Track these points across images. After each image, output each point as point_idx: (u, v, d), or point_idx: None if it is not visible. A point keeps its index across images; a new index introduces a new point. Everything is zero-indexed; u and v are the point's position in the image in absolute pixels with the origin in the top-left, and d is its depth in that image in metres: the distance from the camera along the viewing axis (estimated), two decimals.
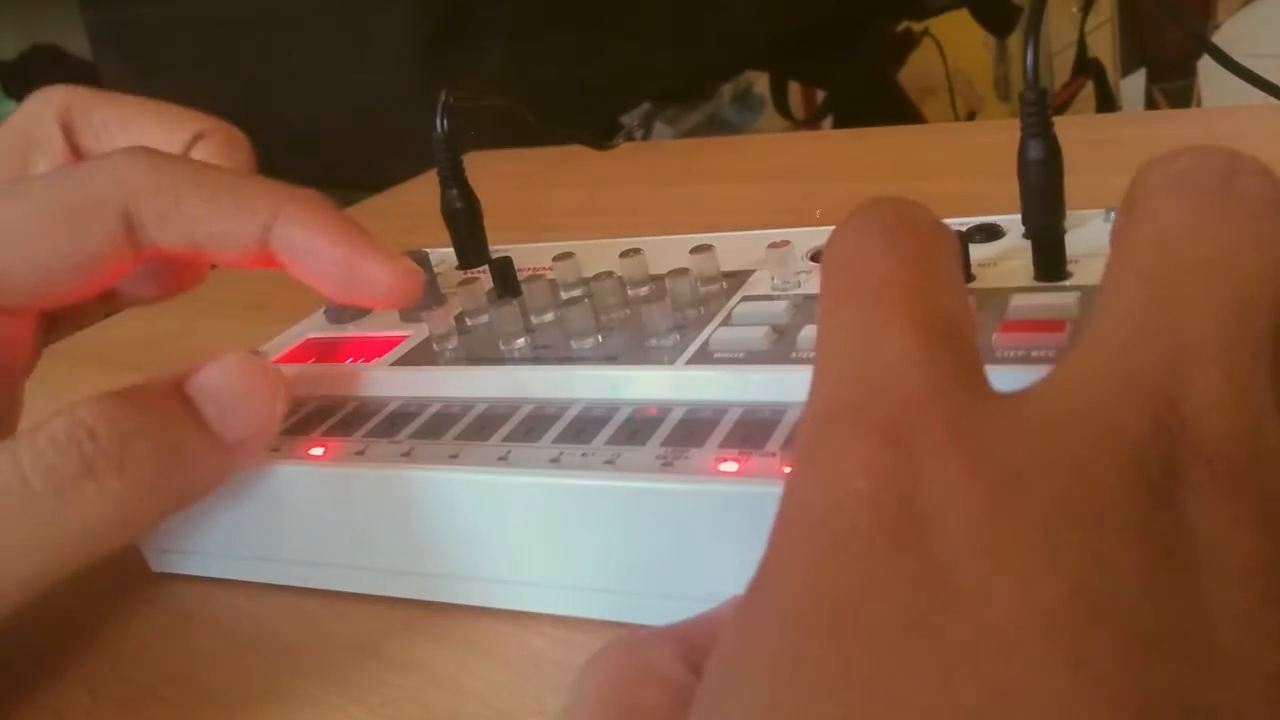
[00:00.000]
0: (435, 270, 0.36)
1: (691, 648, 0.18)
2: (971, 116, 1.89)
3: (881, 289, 0.16)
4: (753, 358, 0.27)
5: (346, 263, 0.26)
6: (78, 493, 0.22)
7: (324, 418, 0.31)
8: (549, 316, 0.32)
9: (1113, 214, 0.30)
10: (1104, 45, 1.98)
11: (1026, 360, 0.24)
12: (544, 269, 0.35)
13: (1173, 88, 1.64)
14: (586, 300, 0.30)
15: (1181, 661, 0.12)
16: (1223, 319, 0.14)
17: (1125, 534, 0.13)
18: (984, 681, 0.12)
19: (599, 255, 0.35)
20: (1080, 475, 0.13)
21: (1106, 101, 1.73)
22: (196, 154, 0.31)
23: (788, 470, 0.16)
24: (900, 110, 1.46)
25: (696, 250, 0.31)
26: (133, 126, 0.32)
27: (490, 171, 0.57)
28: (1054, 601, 0.12)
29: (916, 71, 1.63)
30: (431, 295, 0.35)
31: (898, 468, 0.14)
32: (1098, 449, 0.13)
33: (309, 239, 0.26)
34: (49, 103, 0.32)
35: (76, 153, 0.32)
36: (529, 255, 0.38)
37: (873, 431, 0.14)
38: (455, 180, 0.39)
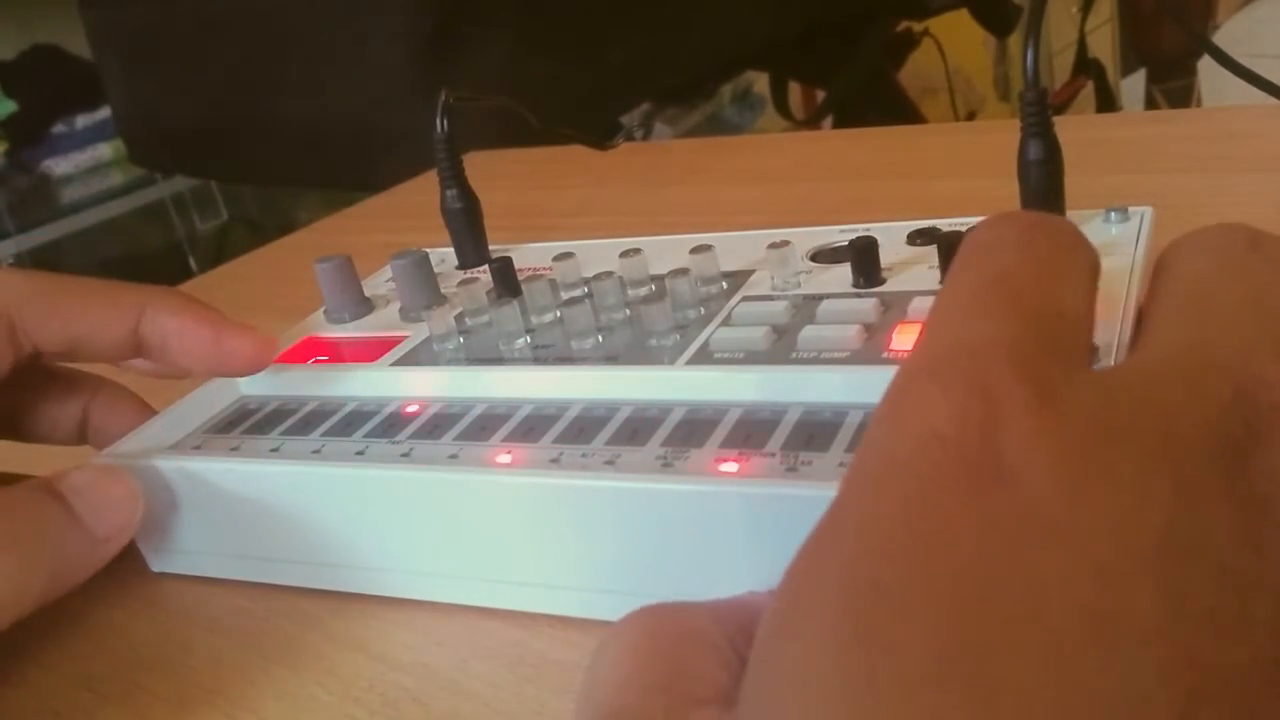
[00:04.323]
0: (435, 270, 0.36)
1: (726, 623, 0.18)
2: (971, 116, 1.89)
3: (1001, 275, 0.18)
4: (753, 358, 0.27)
5: (214, 339, 0.30)
6: None
7: (324, 418, 0.31)
8: (549, 316, 0.32)
9: (1113, 214, 0.30)
10: (1104, 45, 1.98)
11: None
12: (544, 269, 0.35)
13: (1173, 88, 1.64)
14: (586, 300, 0.30)
15: (1269, 599, 0.13)
16: (1268, 336, 0.16)
17: (1213, 484, 0.14)
18: (1080, 609, 0.12)
19: (599, 255, 0.35)
20: (1169, 433, 0.14)
21: (1106, 101, 1.73)
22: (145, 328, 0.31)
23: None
24: (900, 110, 1.46)
25: (696, 250, 0.31)
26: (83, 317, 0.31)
27: (490, 171, 0.57)
28: (1147, 538, 0.13)
29: (916, 71, 1.63)
30: (431, 295, 0.35)
31: (982, 418, 0.14)
32: (1184, 412, 0.14)
33: (179, 323, 0.30)
34: None
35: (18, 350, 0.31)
36: (529, 255, 0.38)
37: (959, 386, 0.15)
38: (455, 180, 0.39)
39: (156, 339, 0.30)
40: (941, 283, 0.29)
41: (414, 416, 0.29)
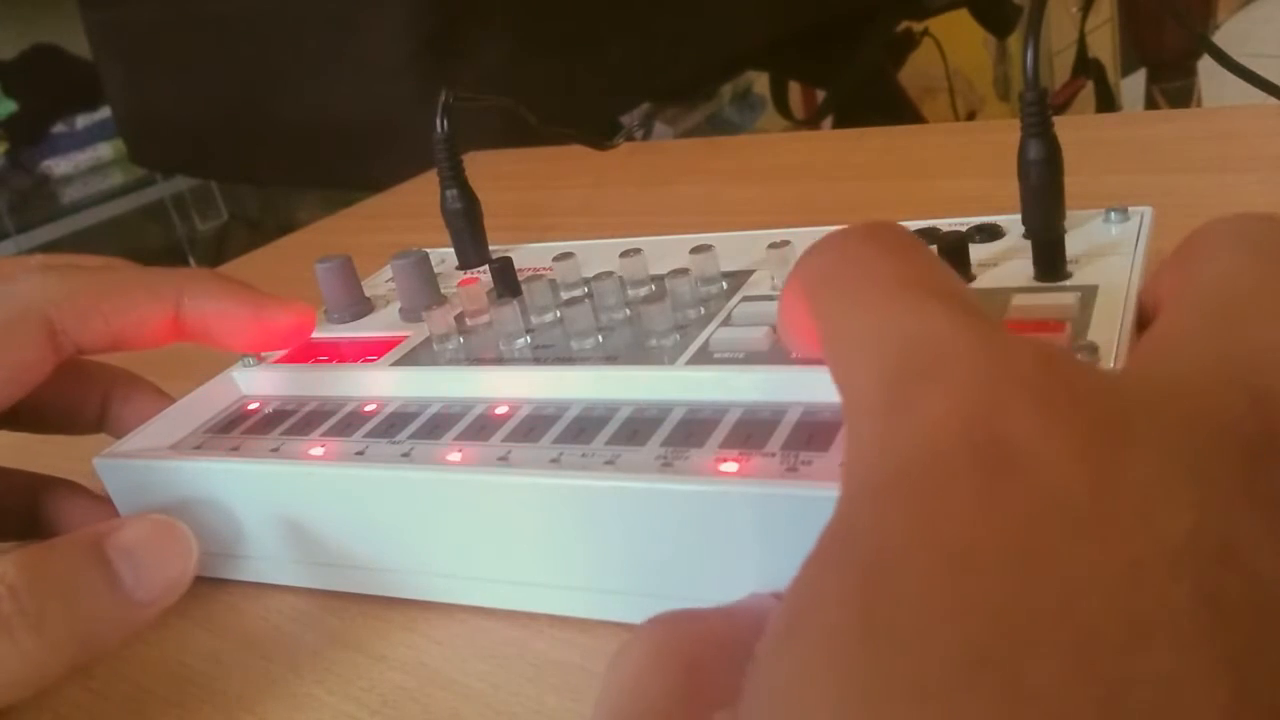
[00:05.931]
0: (435, 270, 0.36)
1: (741, 629, 0.18)
2: (971, 116, 1.89)
3: (897, 277, 0.17)
4: (753, 358, 0.27)
5: (253, 318, 0.30)
6: None
7: (324, 418, 0.31)
8: (549, 316, 0.32)
9: (1113, 214, 0.30)
10: (1104, 45, 1.98)
11: None
12: (544, 269, 0.35)
13: (1173, 88, 1.64)
14: (586, 300, 0.30)
15: None
16: None
17: (1236, 488, 0.13)
18: (1113, 612, 0.12)
19: (599, 255, 0.35)
20: (1189, 436, 0.14)
21: (1106, 101, 1.73)
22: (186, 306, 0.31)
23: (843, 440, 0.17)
24: (900, 110, 1.46)
25: (696, 250, 0.31)
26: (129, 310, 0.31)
27: (490, 171, 0.57)
28: (1178, 538, 0.12)
29: (916, 71, 1.63)
30: (431, 295, 0.35)
31: (987, 410, 0.14)
32: (1203, 417, 0.14)
33: (218, 305, 0.30)
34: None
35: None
36: (529, 255, 0.38)
37: (955, 384, 0.15)
38: (455, 180, 0.39)
39: (198, 323, 0.30)
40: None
41: (414, 416, 0.29)
